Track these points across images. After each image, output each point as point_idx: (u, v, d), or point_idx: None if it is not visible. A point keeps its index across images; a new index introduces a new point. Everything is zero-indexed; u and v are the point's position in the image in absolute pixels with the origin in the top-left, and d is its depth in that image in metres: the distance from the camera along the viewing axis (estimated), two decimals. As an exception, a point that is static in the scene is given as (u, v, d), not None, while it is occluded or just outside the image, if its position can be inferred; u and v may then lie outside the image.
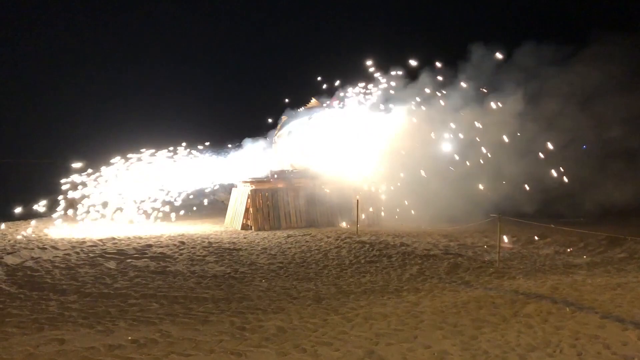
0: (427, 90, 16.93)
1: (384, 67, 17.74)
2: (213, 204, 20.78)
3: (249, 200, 15.89)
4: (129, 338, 5.92)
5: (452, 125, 16.44)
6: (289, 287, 8.53)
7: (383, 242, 12.61)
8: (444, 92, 16.92)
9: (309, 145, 17.39)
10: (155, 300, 7.60)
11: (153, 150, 16.87)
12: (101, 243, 12.28)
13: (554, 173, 15.35)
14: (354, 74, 18.23)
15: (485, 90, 16.41)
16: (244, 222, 15.95)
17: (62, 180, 15.70)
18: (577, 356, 5.37)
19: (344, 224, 16.18)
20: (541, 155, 15.57)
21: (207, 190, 18.83)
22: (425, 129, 16.41)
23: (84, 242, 12.30)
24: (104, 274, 9.31)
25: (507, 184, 15.46)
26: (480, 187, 15.70)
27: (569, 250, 11.74)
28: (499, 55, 16.50)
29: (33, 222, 15.68)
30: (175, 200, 17.16)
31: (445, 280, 8.94)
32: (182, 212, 17.79)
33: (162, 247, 12.05)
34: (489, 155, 16.03)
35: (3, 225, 15.29)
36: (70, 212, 15.64)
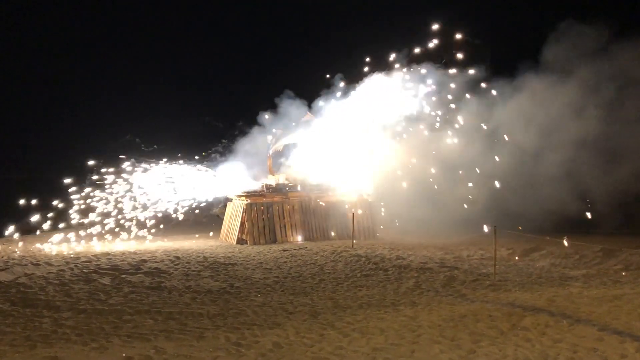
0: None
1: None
2: (208, 218, 20.68)
3: (244, 214, 15.84)
4: (124, 355, 5.84)
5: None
6: (285, 301, 8.47)
7: (379, 255, 12.58)
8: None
9: (304, 158, 17.39)
10: (149, 316, 7.52)
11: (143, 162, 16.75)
12: (95, 258, 12.18)
13: None
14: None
15: None
16: (239, 236, 15.89)
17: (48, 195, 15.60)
18: (575, 369, 5.36)
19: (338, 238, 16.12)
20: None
21: (202, 204, 18.70)
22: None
23: (78, 258, 12.20)
24: (98, 289, 9.22)
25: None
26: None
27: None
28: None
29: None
30: (172, 213, 17.06)
31: (442, 294, 8.91)
32: (176, 226, 17.70)
33: (156, 262, 11.97)
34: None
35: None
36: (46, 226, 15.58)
